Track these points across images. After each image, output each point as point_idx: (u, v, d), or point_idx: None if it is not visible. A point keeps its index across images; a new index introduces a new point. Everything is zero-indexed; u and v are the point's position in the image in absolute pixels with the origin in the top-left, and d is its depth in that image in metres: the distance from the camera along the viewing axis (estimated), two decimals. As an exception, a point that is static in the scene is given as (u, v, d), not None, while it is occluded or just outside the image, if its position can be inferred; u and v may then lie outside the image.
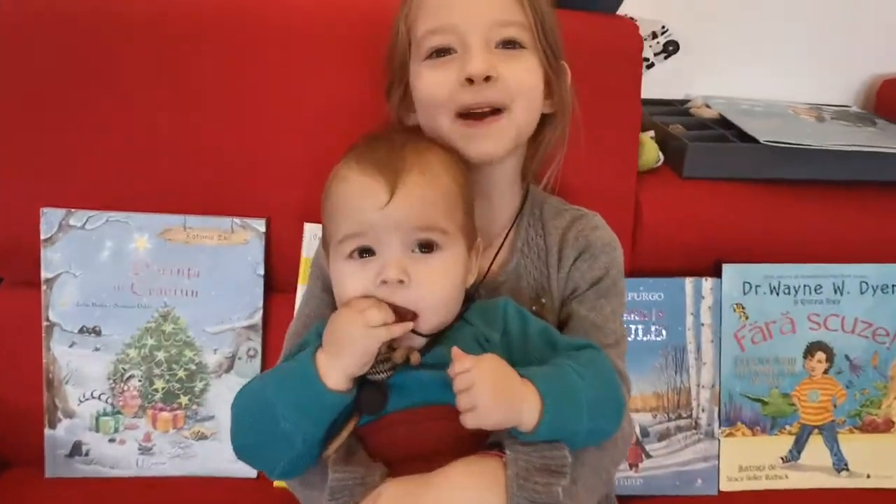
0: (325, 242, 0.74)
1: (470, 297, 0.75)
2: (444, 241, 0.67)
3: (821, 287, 1.09)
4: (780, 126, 1.18)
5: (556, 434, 0.64)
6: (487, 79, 0.71)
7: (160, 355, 0.99)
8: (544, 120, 0.82)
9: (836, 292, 1.09)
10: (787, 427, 1.09)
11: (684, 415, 1.06)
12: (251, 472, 1.01)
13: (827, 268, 1.09)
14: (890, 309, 1.10)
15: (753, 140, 1.09)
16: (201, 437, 1.01)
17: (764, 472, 1.07)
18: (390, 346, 0.66)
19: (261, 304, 1.00)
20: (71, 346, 0.98)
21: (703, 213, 1.09)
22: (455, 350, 0.63)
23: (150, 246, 0.97)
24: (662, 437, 1.06)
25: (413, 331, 0.66)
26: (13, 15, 0.92)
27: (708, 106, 1.34)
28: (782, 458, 1.08)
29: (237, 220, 0.98)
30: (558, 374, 0.66)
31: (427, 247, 0.67)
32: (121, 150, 0.95)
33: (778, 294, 1.08)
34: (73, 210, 0.95)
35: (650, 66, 1.28)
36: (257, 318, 1.00)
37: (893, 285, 1.10)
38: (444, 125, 0.74)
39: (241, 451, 0.69)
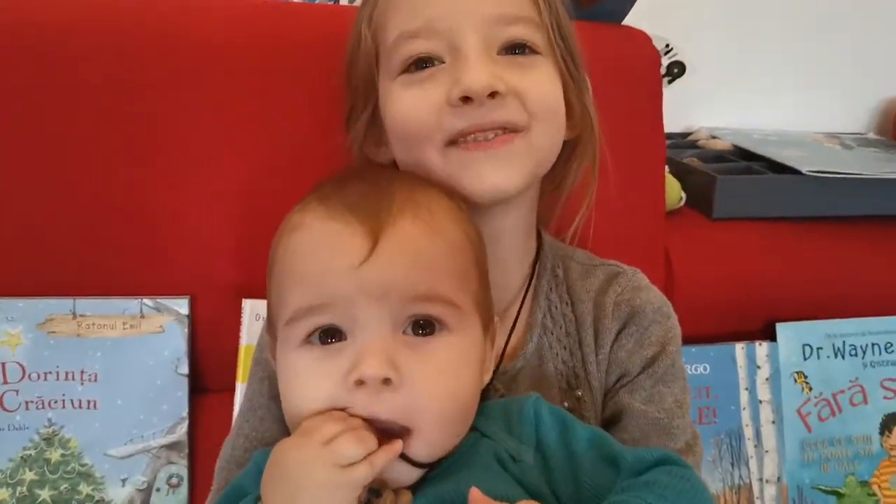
0: (270, 324, 0.50)
1: (482, 395, 0.51)
2: (451, 320, 0.45)
3: (891, 345, 0.89)
4: (813, 155, 1.00)
5: None
6: (492, 95, 0.51)
7: (44, 494, 0.71)
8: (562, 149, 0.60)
9: (911, 350, 0.89)
10: (871, 525, 0.87)
11: (747, 520, 0.83)
12: None
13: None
14: (975, 367, 0.90)
15: (791, 171, 0.91)
16: None
17: (849, 586, 0.85)
18: (370, 486, 0.42)
19: (185, 412, 0.74)
20: (-89, 490, 0.69)
21: (743, 260, 0.90)
22: (475, 493, 0.39)
23: (27, 343, 0.71)
24: (723, 551, 0.82)
25: (403, 456, 0.43)
26: None
27: (715, 137, 1.16)
28: (867, 566, 0.86)
29: (148, 300, 0.73)
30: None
31: (426, 327, 0.44)
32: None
33: (843, 357, 0.88)
34: (-88, 297, 0.69)
35: (653, 91, 1.10)
36: (181, 432, 0.74)
37: (977, 338, 0.91)
38: (432, 159, 0.53)
39: None
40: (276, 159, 0.73)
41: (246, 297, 0.75)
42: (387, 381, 0.42)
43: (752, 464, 0.84)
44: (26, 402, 0.71)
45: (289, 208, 0.61)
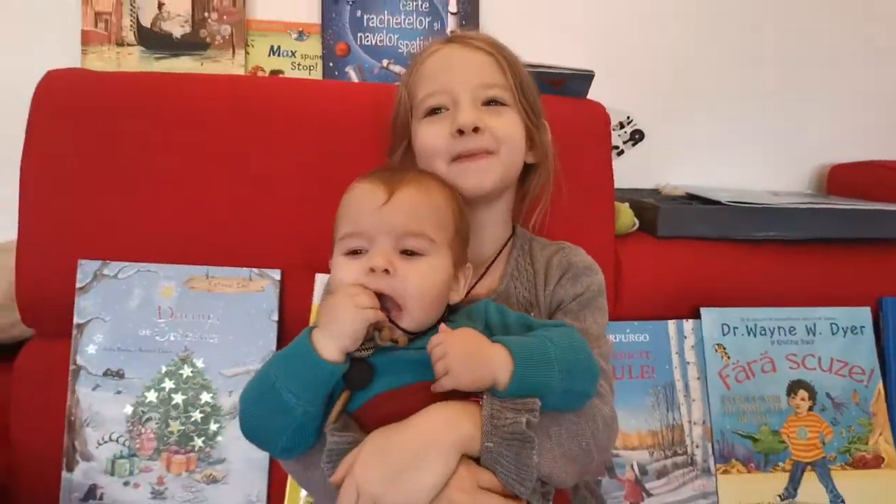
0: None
1: (454, 309, 0.83)
2: (428, 250, 0.76)
3: (794, 329, 1.17)
4: (740, 196, 1.32)
5: (529, 389, 0.70)
6: (476, 130, 0.85)
7: (178, 398, 1.05)
8: (529, 170, 0.95)
9: (808, 333, 1.17)
10: (780, 464, 1.12)
11: (679, 451, 1.10)
12: (258, 519, 1.03)
13: (798, 311, 1.18)
14: (862, 349, 1.17)
15: (717, 203, 1.23)
16: (212, 480, 1.04)
17: (763, 511, 1.10)
18: (378, 330, 0.74)
19: (274, 347, 1.07)
20: (95, 388, 1.04)
21: (678, 265, 1.20)
22: (442, 326, 0.72)
23: (176, 294, 1.06)
24: (661, 474, 1.09)
25: (394, 324, 0.74)
26: (62, 92, 1.08)
27: (676, 188, 1.49)
28: (780, 496, 1.11)
29: (255, 270, 1.08)
30: (528, 339, 0.74)
31: (412, 253, 0.76)
32: (152, 209, 1.07)
33: (755, 335, 1.16)
34: (107, 261, 1.06)
35: (620, 153, 1.45)
36: (270, 361, 1.07)
37: (862, 327, 1.18)
38: (441, 169, 0.87)
39: (249, 432, 0.75)
40: (339, 184, 1.10)
41: (317, 273, 1.10)
42: (386, 271, 0.74)
43: (683, 409, 1.11)
44: (172, 334, 1.06)
45: None
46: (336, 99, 1.12)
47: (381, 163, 1.03)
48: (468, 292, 0.89)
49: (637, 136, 1.44)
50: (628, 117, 1.43)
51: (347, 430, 0.73)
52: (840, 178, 1.55)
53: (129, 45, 1.35)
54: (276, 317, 1.08)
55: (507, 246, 0.95)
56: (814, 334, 1.17)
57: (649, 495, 1.08)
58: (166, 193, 1.07)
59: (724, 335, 1.15)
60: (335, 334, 0.72)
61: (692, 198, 1.36)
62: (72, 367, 1.04)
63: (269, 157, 1.09)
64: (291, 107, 1.10)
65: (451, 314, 0.80)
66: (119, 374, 1.04)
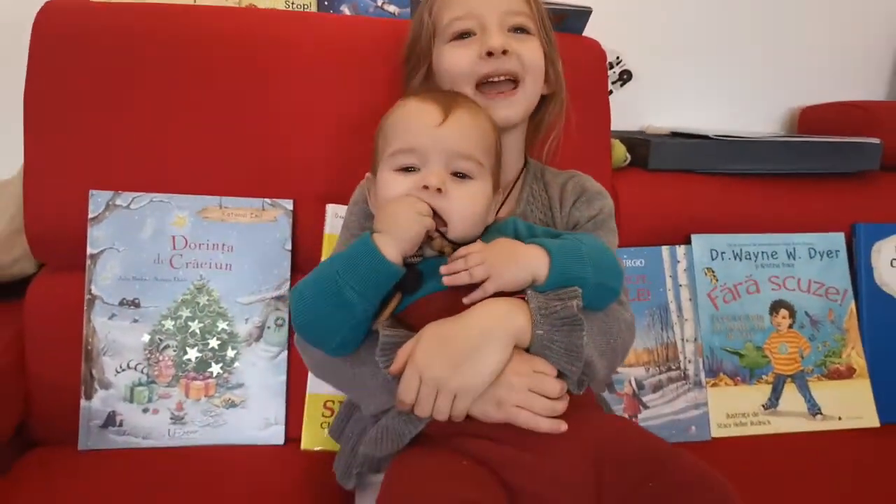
0: (374, 163, 0.87)
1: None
2: (477, 173, 0.81)
3: (776, 253, 1.25)
4: (725, 130, 1.38)
5: (567, 281, 0.76)
6: (504, 52, 0.89)
7: (194, 325, 1.07)
8: (541, 102, 0.99)
9: (789, 257, 1.25)
10: (764, 377, 1.21)
11: (673, 367, 1.17)
12: (279, 440, 1.07)
13: (779, 237, 1.26)
14: (837, 271, 1.26)
15: (704, 137, 1.29)
16: (231, 404, 1.07)
17: (748, 419, 1.18)
18: (429, 239, 0.79)
19: (288, 275, 1.10)
20: (111, 317, 1.05)
21: (669, 196, 1.27)
22: (478, 240, 0.77)
23: (189, 223, 1.07)
24: (656, 388, 1.16)
25: (443, 234, 0.79)
26: (63, 22, 1.07)
27: (659, 128, 1.55)
28: (763, 406, 1.19)
29: (268, 200, 1.10)
30: (559, 239, 0.80)
31: (463, 175, 0.81)
32: (164, 139, 1.07)
33: (741, 260, 1.24)
34: (119, 192, 1.06)
35: (609, 92, 1.49)
36: (285, 288, 1.09)
37: (836, 251, 1.27)
38: (467, 94, 0.90)
39: (304, 327, 0.79)
40: (351, 119, 1.11)
41: (328, 203, 1.12)
42: (439, 190, 0.79)
43: (676, 328, 1.19)
44: (186, 263, 1.07)
45: (355, 150, 1.02)
46: (347, 31, 1.13)
47: (393, 93, 1.06)
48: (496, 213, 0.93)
49: (626, 77, 1.48)
50: (618, 57, 1.48)
51: (397, 326, 0.78)
52: (810, 119, 1.63)
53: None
54: (289, 246, 1.10)
55: (522, 174, 0.99)
56: (793, 258, 1.25)
57: (646, 407, 1.15)
58: (176, 124, 1.08)
59: (712, 260, 1.22)
60: (398, 238, 0.76)
61: (676, 136, 1.42)
62: (87, 296, 1.04)
63: (279, 87, 1.10)
64: (301, 38, 1.11)
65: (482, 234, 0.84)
66: (135, 304, 1.06)
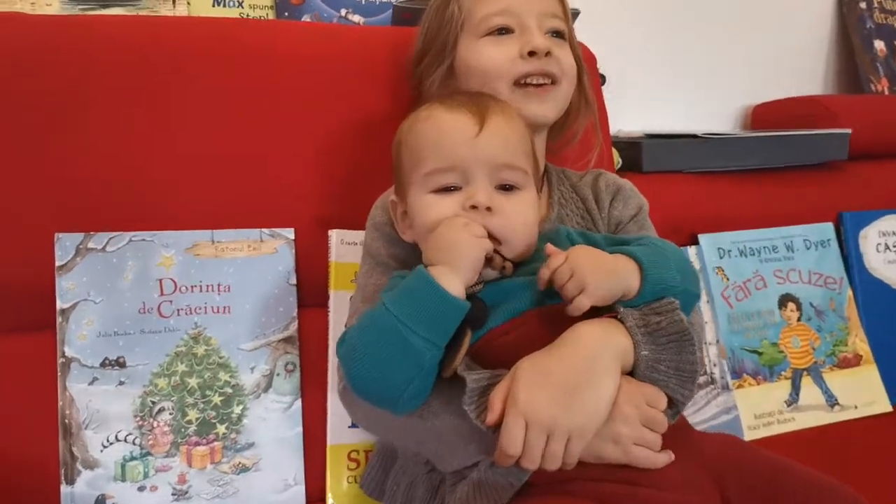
0: (399, 184, 0.77)
1: None
2: (523, 182, 0.74)
3: (776, 247, 1.25)
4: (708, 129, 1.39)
5: (659, 292, 0.69)
6: (548, 54, 0.84)
7: (192, 382, 0.92)
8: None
9: (788, 250, 1.26)
10: (783, 373, 1.20)
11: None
12: (301, 502, 0.93)
13: (777, 231, 1.27)
14: (831, 260, 1.28)
15: (691, 136, 1.28)
16: (242, 469, 0.92)
17: (774, 418, 1.16)
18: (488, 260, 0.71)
19: (295, 313, 0.97)
20: (91, 382, 0.88)
21: (669, 197, 1.24)
22: (549, 246, 0.70)
23: (178, 263, 0.93)
24: (687, 396, 1.12)
25: (499, 254, 0.71)
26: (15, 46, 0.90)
27: (630, 132, 1.53)
28: (786, 403, 1.18)
29: (266, 230, 0.97)
30: (638, 245, 0.73)
31: (509, 187, 0.73)
32: (140, 168, 0.92)
33: (746, 256, 1.23)
34: (91, 233, 0.90)
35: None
36: (293, 328, 0.97)
37: (828, 240, 1.29)
38: (503, 91, 0.84)
39: (363, 384, 0.67)
40: (353, 135, 1.01)
41: (331, 228, 1.00)
42: (489, 209, 0.70)
43: (698, 331, 1.16)
44: (178, 310, 0.92)
45: (356, 168, 0.94)
46: (337, 40, 1.03)
47: (396, 101, 0.97)
48: None
49: (600, 81, 1.46)
50: (593, 61, 1.45)
51: (474, 367, 0.68)
52: (763, 117, 1.67)
53: (48, -8, 1.15)
54: (294, 279, 0.97)
55: (544, 177, 0.93)
56: (792, 251, 1.26)
57: (680, 417, 1.10)
58: (154, 149, 0.93)
59: (720, 258, 1.21)
60: (458, 267, 0.67)
61: (655, 137, 1.41)
62: (60, 360, 0.87)
63: (267, 103, 0.98)
64: (288, 48, 1.00)
65: None
66: (119, 363, 0.89)
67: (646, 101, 1.60)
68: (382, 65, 1.02)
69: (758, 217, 1.28)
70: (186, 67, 0.95)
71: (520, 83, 0.84)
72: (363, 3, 1.33)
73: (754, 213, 1.29)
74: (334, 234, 1.00)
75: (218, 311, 0.94)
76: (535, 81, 0.84)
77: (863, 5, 1.79)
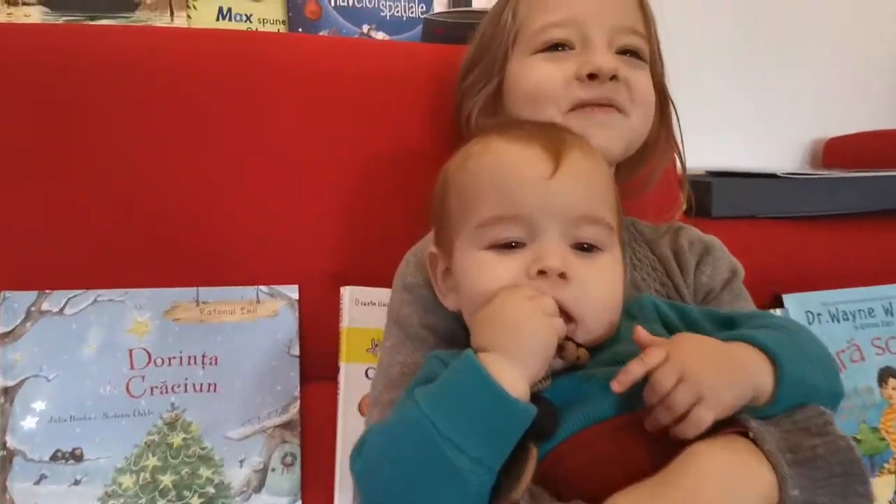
0: (444, 233, 0.60)
1: None
2: (607, 242, 0.57)
3: (873, 310, 1.05)
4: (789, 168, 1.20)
5: (800, 396, 0.51)
6: (613, 78, 0.67)
7: (166, 480, 0.74)
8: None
9: (886, 314, 1.05)
10: (885, 465, 0.99)
11: (788, 465, 0.93)
12: None
13: (871, 290, 1.06)
14: (938, 326, 1.07)
15: (769, 176, 1.10)
16: (227, 591, 0.74)
17: (879, 523, 0.96)
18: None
19: (297, 392, 0.79)
20: (38, 481, 0.70)
21: (746, 249, 1.02)
22: (639, 331, 0.51)
23: (153, 329, 0.76)
24: (773, 495, 0.91)
25: (570, 339, 0.53)
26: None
27: (689, 169, 1.35)
28: (890, 503, 0.97)
29: (264, 288, 0.79)
30: (768, 331, 0.54)
31: (588, 247, 0.55)
32: (108, 211, 0.76)
33: (839, 321, 1.03)
34: (46, 291, 0.73)
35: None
36: (293, 411, 0.79)
37: (934, 302, 1.08)
38: (555, 119, 0.67)
39: None
40: (370, 171, 0.84)
41: (344, 285, 0.83)
42: (562, 276, 0.52)
43: (785, 414, 0.96)
44: (151, 388, 0.75)
45: (374, 213, 0.77)
46: (360, 57, 0.86)
47: (433, 133, 0.79)
48: None
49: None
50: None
51: (537, 501, 0.49)
52: (836, 152, 1.48)
53: (26, 2, 1.01)
54: (296, 350, 0.80)
55: None
56: (892, 314, 1.06)
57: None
58: (124, 186, 0.77)
59: (809, 323, 1.01)
60: (521, 356, 0.49)
61: (721, 175, 1.22)
62: (0, 453, 0.70)
63: (269, 129, 0.82)
64: (301, 63, 0.83)
65: None
66: (75, 456, 0.72)
67: (701, 132, 1.42)
68: (413, 85, 0.84)
69: (849, 273, 1.08)
70: (160, 87, 0.78)
71: (574, 109, 0.66)
72: (388, 18, 1.16)
73: (845, 268, 1.09)
74: (347, 293, 0.82)
75: (201, 390, 0.76)
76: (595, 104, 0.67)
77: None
